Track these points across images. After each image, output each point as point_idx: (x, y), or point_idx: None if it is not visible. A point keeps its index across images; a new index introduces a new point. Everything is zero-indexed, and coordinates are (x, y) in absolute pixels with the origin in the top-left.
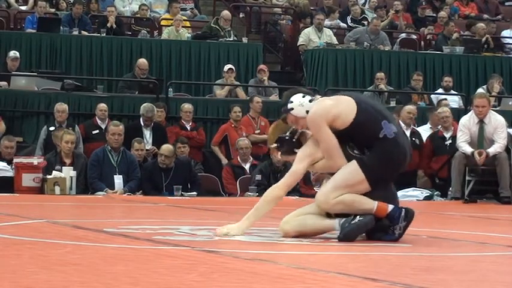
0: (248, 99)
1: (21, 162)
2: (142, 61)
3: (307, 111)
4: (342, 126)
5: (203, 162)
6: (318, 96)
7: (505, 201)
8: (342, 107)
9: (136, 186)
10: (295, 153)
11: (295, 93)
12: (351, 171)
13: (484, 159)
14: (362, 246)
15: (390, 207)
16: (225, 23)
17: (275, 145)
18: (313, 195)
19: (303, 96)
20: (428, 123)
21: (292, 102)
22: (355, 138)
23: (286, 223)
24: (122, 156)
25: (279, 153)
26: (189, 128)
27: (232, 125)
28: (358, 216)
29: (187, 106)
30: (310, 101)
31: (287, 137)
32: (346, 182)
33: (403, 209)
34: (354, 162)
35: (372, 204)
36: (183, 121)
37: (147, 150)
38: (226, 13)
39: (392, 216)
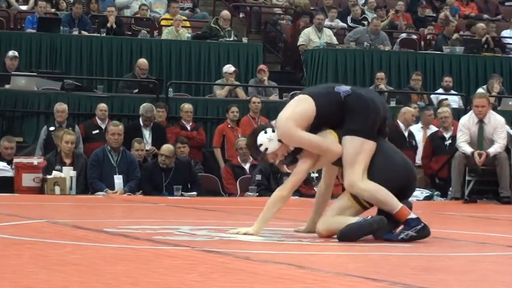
0: (248, 99)
1: (21, 162)
2: (143, 61)
3: (279, 140)
4: (312, 118)
5: (203, 162)
6: (274, 122)
7: (505, 201)
8: (296, 105)
9: (136, 186)
10: (296, 160)
11: (256, 137)
12: (348, 145)
13: (484, 160)
14: (362, 246)
15: (413, 215)
16: (225, 23)
17: (279, 160)
18: (313, 195)
19: (265, 132)
20: (419, 123)
21: (261, 145)
22: (332, 120)
23: (323, 224)
24: (122, 156)
25: (284, 166)
26: (189, 128)
27: (229, 126)
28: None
29: (187, 106)
30: (273, 130)
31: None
32: (355, 156)
33: (423, 224)
34: (344, 138)
35: (396, 206)
36: (183, 121)
37: (147, 150)
38: (225, 13)
39: (409, 223)
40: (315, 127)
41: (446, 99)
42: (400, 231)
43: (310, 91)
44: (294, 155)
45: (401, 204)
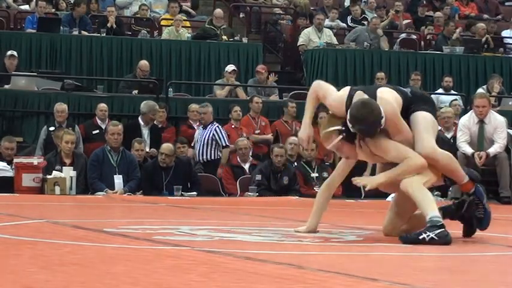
0: (248, 99)
1: (21, 162)
2: (144, 63)
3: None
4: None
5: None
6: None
7: (505, 201)
8: (389, 95)
9: (136, 186)
10: (354, 143)
11: (379, 109)
12: (422, 117)
13: (484, 160)
14: (362, 246)
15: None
16: (218, 21)
17: (338, 128)
18: (313, 195)
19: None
20: None
21: (383, 117)
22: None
23: (393, 230)
24: (122, 156)
25: (337, 139)
26: (196, 128)
27: (233, 126)
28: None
29: (194, 106)
30: None
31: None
32: (430, 127)
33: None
34: (416, 114)
35: (464, 177)
36: (190, 121)
37: (147, 152)
38: (218, 11)
39: (479, 192)
40: None
41: (456, 99)
42: (422, 231)
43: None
44: (353, 136)
45: (468, 178)
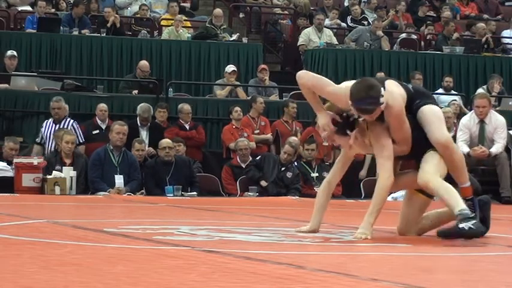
0: (248, 99)
1: (21, 162)
2: (144, 63)
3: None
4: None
5: (203, 162)
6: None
7: (506, 201)
8: (396, 89)
9: (136, 186)
10: (346, 134)
11: (379, 87)
12: (433, 110)
13: (482, 154)
14: (362, 246)
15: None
16: (217, 20)
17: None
18: (313, 195)
19: (384, 89)
20: None
21: (382, 96)
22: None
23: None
24: (123, 157)
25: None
26: (188, 128)
27: (234, 126)
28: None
29: (186, 107)
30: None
31: (345, 115)
32: (442, 119)
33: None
34: (424, 107)
35: (467, 180)
36: (181, 121)
37: (143, 151)
38: (217, 11)
39: (475, 203)
40: None
41: (456, 100)
42: (458, 223)
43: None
44: (348, 126)
45: (470, 183)
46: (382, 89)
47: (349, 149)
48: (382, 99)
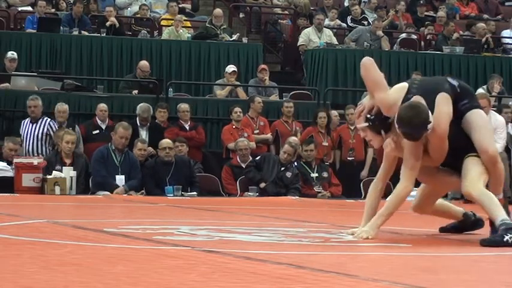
0: (248, 99)
1: (21, 162)
2: (144, 63)
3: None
4: None
5: (203, 162)
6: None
7: None
8: (446, 109)
9: (137, 184)
10: (380, 134)
11: (428, 113)
12: (481, 116)
13: None
14: (362, 246)
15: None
16: (217, 20)
17: (367, 115)
18: (313, 196)
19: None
20: None
21: (430, 122)
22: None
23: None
24: (125, 157)
25: (363, 124)
26: (188, 128)
27: (234, 126)
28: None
29: (184, 106)
30: None
31: (383, 117)
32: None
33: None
34: (472, 112)
35: (501, 191)
36: (181, 121)
37: (145, 150)
38: (217, 11)
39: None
40: None
41: None
42: (501, 234)
43: (445, 89)
44: (383, 126)
45: (502, 194)
46: (430, 115)
47: (377, 147)
48: (429, 126)
